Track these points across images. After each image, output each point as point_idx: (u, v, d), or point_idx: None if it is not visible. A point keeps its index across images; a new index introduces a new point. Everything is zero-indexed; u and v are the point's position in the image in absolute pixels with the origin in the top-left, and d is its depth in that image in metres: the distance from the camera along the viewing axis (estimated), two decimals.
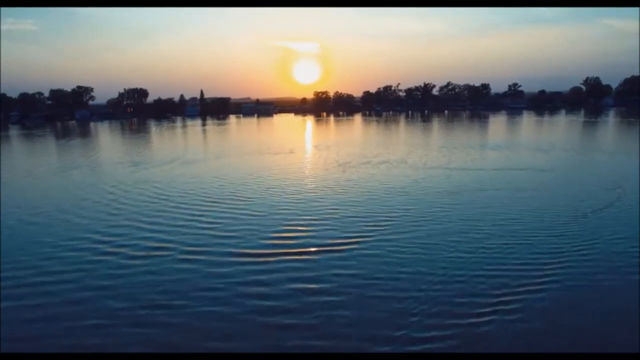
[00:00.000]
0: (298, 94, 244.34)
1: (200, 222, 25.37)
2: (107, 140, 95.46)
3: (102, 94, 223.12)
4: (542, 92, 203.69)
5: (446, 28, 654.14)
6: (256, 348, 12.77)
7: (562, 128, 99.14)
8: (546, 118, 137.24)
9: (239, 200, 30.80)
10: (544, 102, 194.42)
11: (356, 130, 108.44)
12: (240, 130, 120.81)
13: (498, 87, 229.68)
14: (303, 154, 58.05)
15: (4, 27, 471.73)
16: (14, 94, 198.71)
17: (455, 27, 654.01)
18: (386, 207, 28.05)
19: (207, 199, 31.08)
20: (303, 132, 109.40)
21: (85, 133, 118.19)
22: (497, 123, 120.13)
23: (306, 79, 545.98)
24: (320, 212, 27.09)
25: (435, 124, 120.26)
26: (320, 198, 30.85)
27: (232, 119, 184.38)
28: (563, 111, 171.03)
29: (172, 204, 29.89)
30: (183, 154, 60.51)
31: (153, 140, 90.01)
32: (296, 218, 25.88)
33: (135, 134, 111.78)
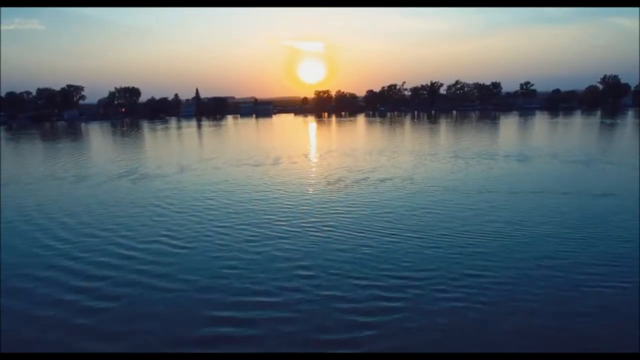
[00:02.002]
0: (304, 94, 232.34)
1: (80, 306, 15.29)
2: (79, 145, 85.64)
3: (98, 94, 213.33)
4: (557, 91, 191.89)
5: (452, 27, 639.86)
6: None
7: (586, 131, 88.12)
8: (565, 119, 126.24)
9: (167, 249, 20.71)
10: (559, 102, 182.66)
11: (357, 134, 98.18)
12: (231, 133, 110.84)
13: (508, 86, 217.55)
14: (288, 166, 47.93)
15: (10, 27, 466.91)
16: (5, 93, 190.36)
17: (461, 26, 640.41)
18: (385, 268, 17.87)
19: (122, 248, 20.98)
20: (298, 135, 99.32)
21: (64, 136, 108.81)
22: (512, 125, 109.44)
23: (311, 78, 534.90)
24: (280, 279, 16.96)
25: (444, 126, 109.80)
26: (287, 248, 20.70)
27: (229, 119, 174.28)
28: (579, 112, 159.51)
29: (66, 259, 19.82)
30: (146, 165, 50.61)
31: (128, 145, 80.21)
32: (238, 295, 15.77)
33: (116, 137, 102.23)
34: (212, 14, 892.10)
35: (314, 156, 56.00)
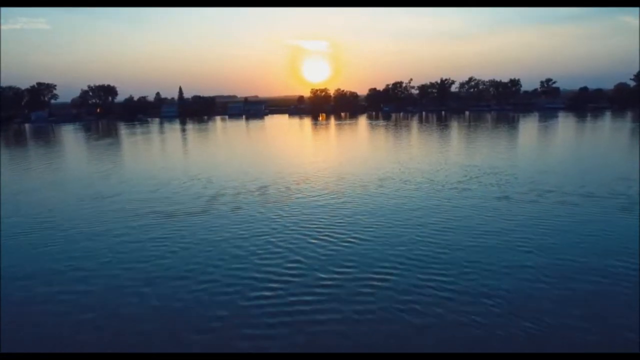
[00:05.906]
0: (307, 93, 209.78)
1: None
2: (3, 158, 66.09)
3: (77, 92, 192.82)
4: (584, 89, 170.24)
5: (458, 27, 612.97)
6: None
7: None
8: (600, 122, 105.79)
9: None
10: (586, 102, 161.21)
11: (354, 144, 77.97)
12: (200, 141, 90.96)
13: (526, 84, 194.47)
14: (224, 215, 28.32)
15: (16, 27, 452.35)
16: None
17: (468, 25, 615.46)
18: None
19: None
20: (280, 145, 78.96)
21: (11, 143, 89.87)
22: (544, 130, 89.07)
23: (316, 77, 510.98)
24: None
25: (460, 132, 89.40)
26: None
27: (218, 121, 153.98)
28: (609, 113, 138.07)
29: None
30: (32, 204, 31.09)
31: (64, 160, 60.72)
32: None
33: (59, 147, 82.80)
34: (213, 14, 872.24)
35: (280, 188, 36.17)
